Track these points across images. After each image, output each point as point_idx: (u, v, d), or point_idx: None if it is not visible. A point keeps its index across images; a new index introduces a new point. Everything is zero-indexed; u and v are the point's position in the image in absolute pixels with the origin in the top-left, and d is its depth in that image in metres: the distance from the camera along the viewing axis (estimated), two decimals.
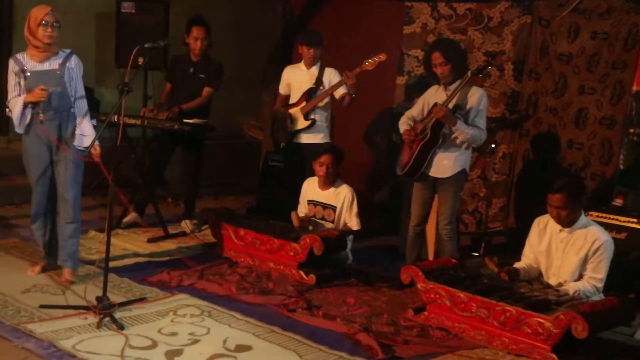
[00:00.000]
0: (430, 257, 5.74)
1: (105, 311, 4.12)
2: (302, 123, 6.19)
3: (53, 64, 4.66)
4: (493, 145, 6.32)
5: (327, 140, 6.27)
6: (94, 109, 7.37)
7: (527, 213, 5.31)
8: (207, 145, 6.68)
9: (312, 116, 6.18)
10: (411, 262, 5.26)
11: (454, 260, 4.77)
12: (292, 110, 6.26)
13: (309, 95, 6.19)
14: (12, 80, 4.67)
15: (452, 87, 5.02)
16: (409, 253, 5.35)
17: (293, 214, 5.60)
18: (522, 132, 6.75)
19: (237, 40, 9.46)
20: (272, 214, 6.11)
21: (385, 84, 7.36)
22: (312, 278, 5.11)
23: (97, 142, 4.59)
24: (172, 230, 6.32)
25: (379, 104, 7.50)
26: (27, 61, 4.66)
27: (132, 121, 6.06)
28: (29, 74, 4.62)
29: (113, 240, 5.77)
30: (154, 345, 3.83)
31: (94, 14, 8.44)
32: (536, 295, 4.22)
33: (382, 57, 5.78)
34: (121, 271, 5.05)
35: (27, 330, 3.86)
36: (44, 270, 4.91)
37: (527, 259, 4.62)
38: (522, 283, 4.46)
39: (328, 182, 5.60)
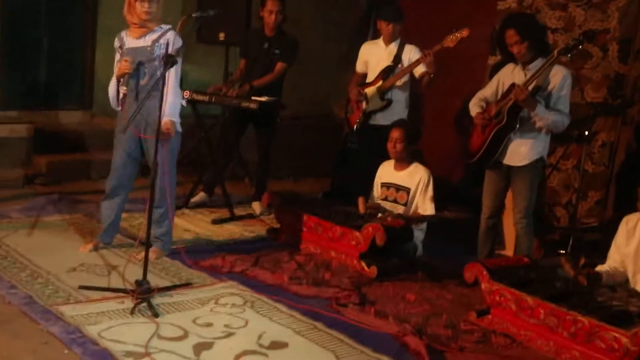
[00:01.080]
0: (510, 252, 5.25)
1: (142, 296, 3.91)
2: (377, 103, 5.81)
3: (147, 40, 4.50)
4: (586, 133, 5.70)
5: None
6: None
7: (628, 209, 4.74)
8: (280, 124, 6.40)
9: (389, 96, 5.78)
10: (483, 257, 4.82)
11: (526, 259, 4.29)
12: (367, 90, 5.88)
13: (386, 73, 5.80)
14: (116, 57, 4.63)
15: (532, 66, 4.51)
16: (481, 248, 4.90)
17: (360, 199, 5.24)
18: (626, 120, 6.08)
19: (327, 16, 9.14)
20: (346, 199, 5.80)
21: (476, 64, 6.87)
22: (373, 270, 4.75)
23: (173, 118, 4.50)
24: (242, 212, 6.11)
25: (470, 84, 6.97)
26: (127, 38, 4.57)
27: (199, 97, 5.87)
28: (124, 50, 4.53)
29: (177, 220, 5.63)
30: (184, 336, 3.58)
31: None
32: (616, 304, 3.70)
33: (465, 33, 5.30)
34: (175, 253, 4.84)
35: (58, 312, 3.69)
36: (97, 248, 4.76)
37: (612, 262, 4.08)
38: (602, 289, 3.93)
39: (402, 161, 5.21)
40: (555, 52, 4.43)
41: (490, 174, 4.77)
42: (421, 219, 5.11)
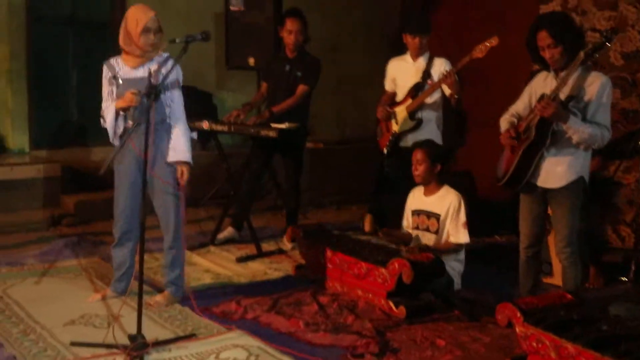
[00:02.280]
0: (559, 280, 4.68)
1: (136, 353, 3.56)
2: (407, 123, 5.34)
3: (146, 70, 4.17)
4: None
5: (437, 142, 5.36)
6: (212, 116, 7.01)
7: None
8: (322, 150, 6.01)
9: (419, 115, 5.31)
10: (525, 292, 4.29)
11: (569, 296, 3.72)
12: (396, 109, 5.42)
13: (415, 91, 5.34)
14: (105, 87, 4.29)
15: (564, 73, 3.98)
16: (522, 281, 4.36)
17: (367, 217, 4.79)
18: None
19: (369, 38, 8.77)
20: (383, 227, 5.37)
21: (520, 72, 6.33)
22: (402, 311, 4.27)
23: (188, 163, 4.25)
24: (272, 246, 5.74)
25: (514, 95, 6.47)
26: (121, 67, 4.24)
27: (219, 128, 5.54)
28: (121, 81, 4.21)
29: (198, 259, 5.35)
30: None
31: (212, 14, 8.06)
32: None
33: (494, 41, 4.81)
34: (188, 298, 4.48)
35: None
36: (105, 298, 4.44)
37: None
38: None
39: (429, 185, 4.75)
40: (582, 53, 3.88)
41: (525, 199, 4.24)
42: (452, 249, 4.61)
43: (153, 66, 4.19)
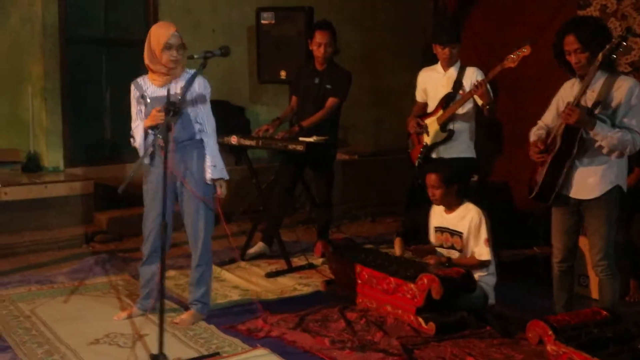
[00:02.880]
0: (596, 293, 4.51)
1: None
2: (438, 135, 5.22)
3: (175, 87, 4.15)
4: None
5: (470, 154, 5.25)
6: (244, 130, 6.99)
7: None
8: (340, 163, 5.97)
9: (450, 126, 5.18)
10: (560, 308, 4.13)
11: (604, 313, 3.57)
12: (428, 121, 5.31)
13: (446, 101, 5.21)
14: (134, 107, 4.30)
15: (592, 80, 3.83)
16: (557, 297, 4.19)
17: (397, 240, 4.68)
18: None
19: (405, 48, 8.67)
20: (417, 241, 5.24)
21: (556, 80, 6.16)
22: (431, 327, 4.15)
23: (224, 179, 4.28)
24: (302, 261, 5.66)
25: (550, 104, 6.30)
26: (148, 85, 4.24)
27: (247, 142, 5.50)
28: (149, 100, 4.20)
29: (227, 275, 5.30)
30: None
31: (245, 28, 8.07)
32: None
33: (527, 50, 4.67)
34: (214, 315, 4.43)
35: None
36: (131, 316, 4.40)
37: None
38: None
39: (451, 204, 4.62)
40: (600, 55, 3.73)
41: (557, 211, 4.08)
42: (477, 265, 4.47)
43: (180, 83, 4.16)
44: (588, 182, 3.87)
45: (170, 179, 4.13)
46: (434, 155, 5.29)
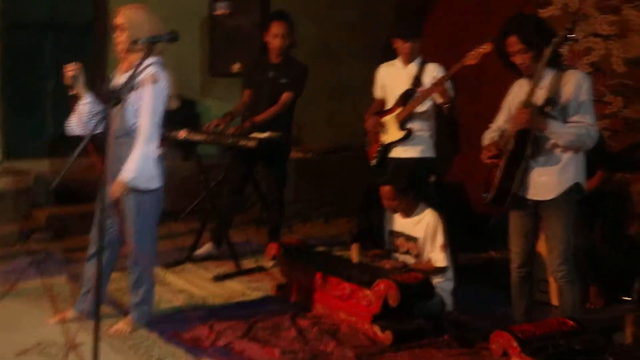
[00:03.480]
0: (556, 300, 4.35)
1: None
2: (396, 134, 5.00)
3: (125, 76, 3.82)
4: None
5: (429, 154, 5.05)
6: (195, 124, 6.66)
7: None
8: (293, 161, 5.71)
9: (409, 125, 4.97)
10: (519, 316, 3.95)
11: (570, 323, 3.38)
12: (386, 118, 5.08)
13: (405, 98, 5.00)
14: None
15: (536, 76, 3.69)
16: (515, 304, 4.02)
17: (353, 247, 4.47)
18: None
19: (363, 42, 8.44)
20: (373, 244, 5.04)
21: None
22: (388, 336, 3.93)
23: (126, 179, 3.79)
24: (253, 263, 5.39)
25: None
26: (115, 74, 3.96)
27: (196, 137, 5.21)
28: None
29: (173, 278, 5.01)
30: None
31: (197, 17, 7.71)
32: None
33: (487, 48, 4.47)
34: (157, 322, 4.14)
35: None
36: (66, 320, 4.08)
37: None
38: None
39: (407, 210, 4.42)
40: (547, 50, 3.60)
41: (514, 214, 3.90)
42: (433, 271, 4.28)
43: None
44: (545, 182, 3.72)
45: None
46: (391, 155, 5.07)
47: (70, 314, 4.13)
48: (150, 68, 3.80)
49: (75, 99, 3.86)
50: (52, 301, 4.49)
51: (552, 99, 3.64)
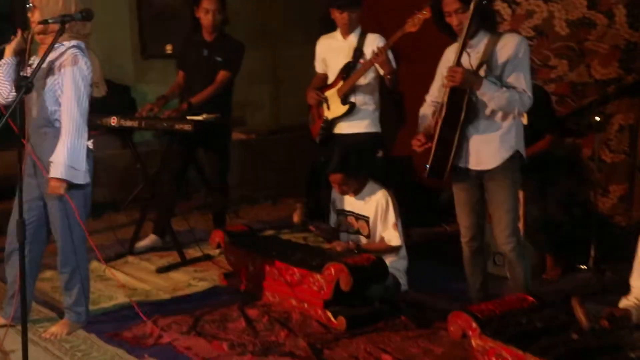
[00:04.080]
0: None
1: None
2: (339, 108, 4.79)
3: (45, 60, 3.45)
4: (597, 119, 4.66)
5: (374, 129, 4.85)
6: (130, 110, 6.35)
7: None
8: (236, 143, 5.46)
9: (352, 99, 4.76)
10: (475, 291, 3.81)
11: (530, 298, 3.24)
12: (328, 93, 4.87)
13: (346, 72, 4.78)
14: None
15: (474, 42, 3.56)
16: (470, 281, 3.88)
17: (296, 207, 4.29)
18: None
19: (301, 20, 8.18)
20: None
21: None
22: (341, 321, 3.74)
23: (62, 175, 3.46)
24: (198, 252, 5.14)
25: None
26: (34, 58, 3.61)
27: (128, 123, 4.92)
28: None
29: (113, 273, 4.69)
30: None
31: None
32: None
33: (427, 13, 4.26)
34: (96, 322, 3.88)
35: None
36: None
37: (638, 291, 3.02)
38: (635, 334, 2.87)
39: (356, 189, 4.23)
40: (472, 4, 3.40)
41: (458, 187, 3.74)
42: (387, 250, 4.11)
43: (53, 55, 3.52)
44: (486, 150, 3.56)
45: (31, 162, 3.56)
46: (336, 131, 4.86)
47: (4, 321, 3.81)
48: (70, 51, 3.50)
49: None
50: None
51: (487, 62, 3.48)
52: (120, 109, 5.50)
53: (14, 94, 3.55)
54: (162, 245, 5.32)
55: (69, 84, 3.48)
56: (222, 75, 5.07)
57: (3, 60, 3.62)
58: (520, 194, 4.41)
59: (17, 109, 3.06)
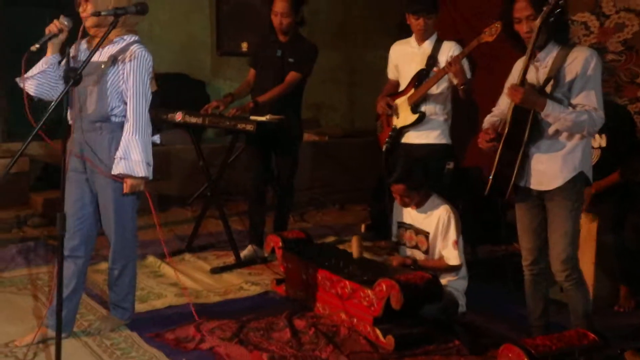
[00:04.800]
0: None
1: None
2: (408, 117, 4.60)
3: (103, 54, 3.46)
4: None
5: (444, 140, 4.63)
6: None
7: None
8: (307, 144, 5.33)
9: (422, 108, 4.56)
10: (534, 319, 3.56)
11: (591, 335, 2.98)
12: (398, 101, 4.68)
13: (418, 79, 4.58)
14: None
15: (542, 55, 3.29)
16: (530, 306, 3.61)
17: (354, 240, 4.11)
18: None
19: (381, 25, 8.01)
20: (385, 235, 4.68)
21: None
22: (390, 341, 3.56)
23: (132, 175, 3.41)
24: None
25: None
26: (85, 47, 3.58)
27: (192, 119, 4.86)
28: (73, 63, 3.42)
29: (167, 269, 4.66)
30: None
31: None
32: None
33: (499, 25, 4.02)
34: (141, 320, 3.82)
35: None
36: (41, 340, 3.50)
37: None
38: None
39: (419, 202, 4.04)
40: (538, 19, 3.14)
41: (521, 207, 3.50)
42: (445, 269, 3.90)
43: (112, 50, 3.47)
44: (547, 170, 3.31)
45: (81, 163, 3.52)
46: (403, 140, 4.67)
47: (45, 332, 3.57)
48: (135, 46, 3.45)
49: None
50: (34, 295, 4.18)
51: (555, 77, 3.23)
52: (196, 105, 5.44)
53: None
54: (264, 256, 5.05)
55: (136, 80, 3.42)
56: (291, 76, 4.95)
57: (48, 59, 3.48)
58: (594, 224, 4.14)
59: (64, 100, 3.00)
